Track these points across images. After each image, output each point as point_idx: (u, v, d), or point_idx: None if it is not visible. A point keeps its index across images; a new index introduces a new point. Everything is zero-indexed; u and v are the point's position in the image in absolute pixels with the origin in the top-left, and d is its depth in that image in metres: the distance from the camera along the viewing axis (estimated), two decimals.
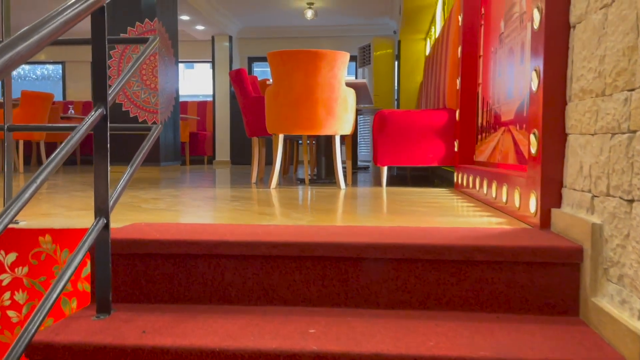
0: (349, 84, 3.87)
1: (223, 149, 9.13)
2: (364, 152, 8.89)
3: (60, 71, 10.08)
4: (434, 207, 2.39)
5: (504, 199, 2.14)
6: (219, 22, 8.37)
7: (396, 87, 8.74)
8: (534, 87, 1.76)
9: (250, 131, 4.21)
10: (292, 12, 8.10)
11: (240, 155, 8.78)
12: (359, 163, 8.49)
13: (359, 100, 4.46)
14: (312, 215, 2.10)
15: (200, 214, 2.20)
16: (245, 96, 4.15)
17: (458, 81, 3.44)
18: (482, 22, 3.23)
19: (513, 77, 2.48)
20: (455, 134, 3.52)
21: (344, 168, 4.32)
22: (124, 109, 5.93)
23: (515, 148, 2.40)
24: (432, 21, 6.99)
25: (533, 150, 1.75)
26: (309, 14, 7.68)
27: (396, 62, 8.74)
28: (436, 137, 3.59)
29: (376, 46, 8.63)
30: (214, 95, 9.15)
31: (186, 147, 8.36)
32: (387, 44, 8.70)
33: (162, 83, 5.98)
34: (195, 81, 16.28)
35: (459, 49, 3.42)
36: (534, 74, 1.76)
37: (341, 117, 3.52)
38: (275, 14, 8.37)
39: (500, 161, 2.65)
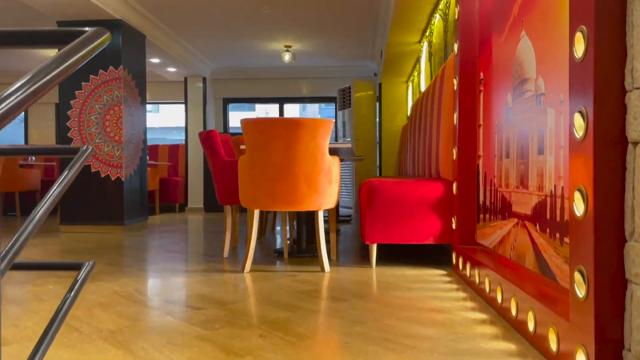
0: (332, 150, 3.48)
1: (196, 195, 8.64)
2: (345, 197, 8.51)
3: (22, 114, 9.50)
4: (436, 327, 1.98)
5: (531, 329, 1.73)
6: (192, 64, 7.98)
7: (378, 130, 8.44)
8: (579, 212, 1.38)
9: (221, 198, 3.77)
10: (269, 53, 7.77)
11: (213, 202, 8.30)
12: (341, 210, 8.09)
13: (341, 153, 4.09)
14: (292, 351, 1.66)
15: None
16: (217, 160, 3.73)
17: (454, 151, 3.08)
18: (482, 89, 2.89)
19: (530, 167, 2.11)
20: (452, 209, 3.14)
21: (327, 241, 3.90)
22: (85, 164, 5.43)
23: (535, 251, 2.02)
24: (415, 66, 6.72)
25: (580, 294, 1.36)
26: (287, 57, 7.35)
27: (377, 104, 8.46)
28: (431, 212, 3.21)
29: (356, 88, 8.34)
30: (186, 138, 8.70)
31: (156, 195, 7.85)
32: (368, 85, 8.43)
33: (127, 134, 5.52)
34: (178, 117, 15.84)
35: (455, 116, 3.07)
36: (577, 195, 1.38)
37: (325, 190, 3.12)
38: (251, 55, 8.03)
39: (514, 259, 2.27)
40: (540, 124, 2.00)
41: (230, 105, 9.67)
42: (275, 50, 7.56)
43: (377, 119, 8.44)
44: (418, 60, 6.33)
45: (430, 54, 4.99)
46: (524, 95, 2.21)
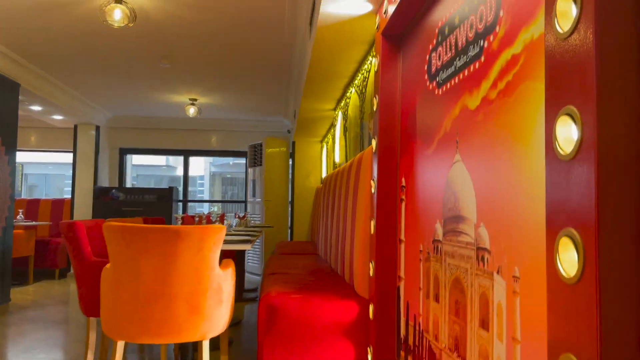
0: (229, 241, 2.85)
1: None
2: (253, 263, 7.82)
3: None
4: None
5: None
6: (82, 112, 7.08)
7: (290, 189, 7.91)
8: None
9: (86, 308, 2.99)
10: (173, 105, 7.06)
11: None
12: (247, 276, 7.39)
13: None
14: None
15: None
16: (82, 260, 2.97)
17: (371, 266, 2.57)
18: (403, 198, 2.42)
19: (468, 335, 1.61)
20: (368, 337, 2.61)
21: None
22: None
23: None
24: (330, 130, 6.32)
25: None
26: (191, 111, 6.69)
27: (291, 161, 7.96)
28: (344, 338, 2.65)
29: (269, 144, 7.81)
30: (73, 193, 7.67)
31: (30, 262, 6.73)
32: (281, 142, 7.93)
33: None
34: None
35: (372, 224, 2.58)
36: None
37: (212, 314, 2.47)
38: (153, 105, 7.28)
39: None
40: (483, 288, 1.52)
41: (128, 156, 8.76)
42: (180, 103, 6.88)
43: (290, 177, 7.93)
44: (333, 125, 5.92)
45: (345, 128, 4.56)
46: (458, 237, 1.73)
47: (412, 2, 2.20)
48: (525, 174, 1.26)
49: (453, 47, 1.81)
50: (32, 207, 7.73)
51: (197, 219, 3.58)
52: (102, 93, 6.64)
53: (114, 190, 7.80)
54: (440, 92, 1.94)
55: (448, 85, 1.85)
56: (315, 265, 3.99)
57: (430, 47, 2.07)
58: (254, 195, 8.05)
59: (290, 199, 7.97)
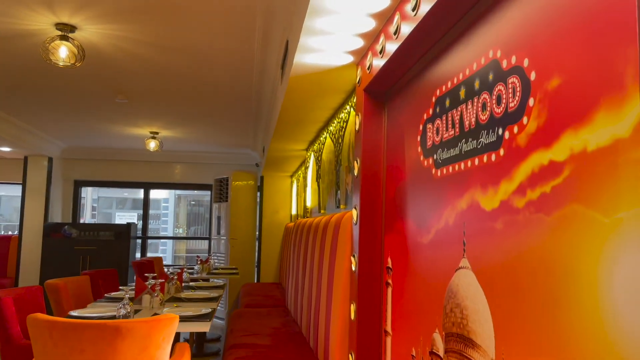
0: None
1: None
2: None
3: None
4: None
5: None
6: (32, 143, 6.55)
7: (258, 225, 7.49)
8: None
9: None
10: (133, 137, 6.60)
11: None
12: (207, 334, 6.89)
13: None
14: None
15: None
16: (8, 341, 2.50)
17: (351, 358, 2.20)
18: (390, 282, 2.08)
19: None
20: None
21: None
22: None
23: None
24: (301, 167, 5.98)
25: None
26: (152, 145, 6.25)
27: (259, 194, 7.56)
28: None
29: (235, 177, 7.41)
30: (20, 229, 7.07)
31: None
32: (249, 175, 7.54)
33: None
34: None
35: (353, 309, 2.22)
36: None
37: None
38: (111, 137, 6.80)
39: None
40: None
41: (84, 189, 8.20)
42: (140, 135, 6.43)
43: (258, 212, 7.52)
44: (305, 164, 5.59)
45: (318, 175, 4.22)
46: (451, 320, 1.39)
47: (402, 60, 1.88)
48: (578, 338, 0.92)
49: (457, 125, 1.49)
50: None
51: (150, 282, 3.15)
52: (53, 125, 6.14)
53: (66, 227, 7.22)
54: (439, 174, 1.61)
55: (450, 168, 1.53)
56: (283, 332, 3.58)
57: (425, 116, 1.75)
58: (218, 233, 7.60)
59: (257, 235, 7.55)
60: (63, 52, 3.01)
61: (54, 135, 6.83)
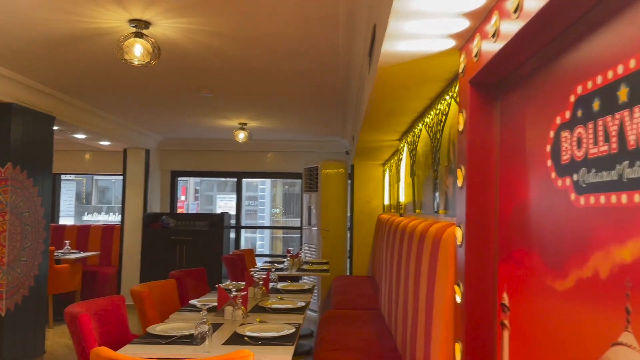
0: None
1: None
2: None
3: None
4: None
5: None
6: (129, 137, 6.72)
7: (350, 215, 7.19)
8: None
9: None
10: (223, 128, 6.55)
11: None
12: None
13: None
14: None
15: None
16: (82, 354, 2.41)
17: None
18: (506, 323, 1.66)
19: None
20: None
21: None
22: None
23: None
24: (394, 156, 5.56)
25: None
26: (241, 136, 6.14)
27: (350, 182, 7.25)
28: None
29: (325, 167, 7.14)
30: (122, 219, 7.34)
31: (76, 297, 6.41)
32: (339, 164, 7.24)
33: (12, 253, 4.16)
34: None
35: (458, 351, 1.83)
36: None
37: None
38: (203, 129, 6.81)
39: None
40: None
41: (180, 179, 8.39)
42: (229, 127, 6.36)
43: (349, 202, 7.22)
44: (397, 154, 5.18)
45: (412, 170, 3.79)
46: None
47: (525, 44, 1.44)
48: None
49: (614, 139, 1.05)
50: (83, 234, 7.47)
51: (233, 291, 2.96)
52: (147, 120, 6.23)
53: (164, 217, 7.40)
54: (582, 203, 1.17)
55: (602, 199, 1.09)
56: (376, 346, 3.26)
57: (559, 120, 1.30)
58: (309, 223, 7.41)
59: (349, 226, 7.26)
60: (137, 50, 2.84)
61: (149, 129, 6.96)
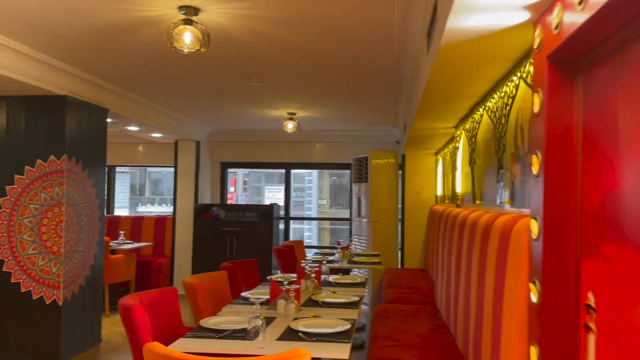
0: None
1: (183, 278, 7.30)
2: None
3: None
4: None
5: None
6: (180, 129, 6.77)
7: (401, 206, 7.01)
8: None
9: None
10: (271, 119, 6.50)
11: None
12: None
13: None
14: None
15: None
16: (139, 354, 2.38)
17: None
18: (592, 326, 1.49)
19: None
20: None
21: None
22: (13, 281, 4.17)
23: None
24: (449, 145, 5.35)
25: None
26: (290, 126, 6.06)
27: (400, 173, 7.05)
28: None
29: (375, 157, 6.98)
30: (174, 209, 7.44)
31: (131, 287, 6.55)
32: (389, 154, 7.06)
33: (69, 244, 4.24)
34: None
35: (534, 356, 1.67)
36: None
37: None
38: (251, 120, 6.78)
39: None
40: None
41: (229, 171, 8.42)
42: (278, 117, 6.29)
43: (400, 193, 7.03)
44: (453, 142, 4.96)
45: (472, 159, 3.59)
46: None
47: (617, 12, 1.25)
48: None
49: None
50: (136, 225, 7.63)
51: (285, 285, 2.88)
52: (196, 111, 6.26)
53: (214, 208, 7.45)
54: None
55: None
56: (433, 343, 3.10)
57: None
58: (359, 215, 7.27)
59: (400, 217, 7.08)
60: (187, 38, 2.78)
61: (199, 120, 7.00)
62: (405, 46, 3.44)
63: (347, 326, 2.45)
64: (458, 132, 4.32)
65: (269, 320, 2.66)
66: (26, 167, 4.22)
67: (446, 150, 5.60)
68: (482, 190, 3.30)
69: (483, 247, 2.38)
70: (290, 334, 2.39)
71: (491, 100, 2.91)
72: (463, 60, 2.31)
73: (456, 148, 4.44)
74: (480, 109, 3.25)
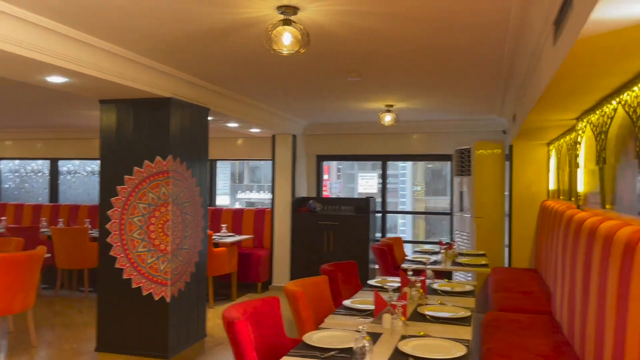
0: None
1: (282, 271, 7.41)
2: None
3: None
4: None
5: None
6: (277, 124, 6.79)
7: (508, 201, 6.53)
8: None
9: None
10: (368, 111, 6.31)
11: (301, 277, 6.98)
12: None
13: None
14: None
15: None
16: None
17: None
18: None
19: None
20: None
21: None
22: (124, 277, 4.38)
23: None
24: (565, 136, 4.85)
25: None
26: (387, 118, 5.83)
27: (508, 164, 6.56)
28: None
29: (478, 148, 6.56)
30: (273, 202, 7.52)
31: (233, 279, 6.72)
32: (494, 144, 6.61)
33: (175, 242, 4.37)
34: None
35: None
36: None
37: None
38: (348, 113, 6.64)
39: None
40: None
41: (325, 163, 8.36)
42: (375, 109, 6.09)
43: (508, 186, 6.55)
44: (570, 133, 4.48)
45: (599, 157, 3.17)
46: None
47: None
48: None
49: None
50: (237, 218, 7.81)
51: (389, 293, 2.72)
52: (294, 107, 6.22)
53: (311, 202, 7.44)
54: None
55: None
56: None
57: None
58: (461, 210, 6.90)
59: (507, 212, 6.61)
60: (287, 39, 2.67)
61: (296, 115, 6.98)
62: (521, 34, 3.09)
63: (462, 352, 2.24)
64: (581, 125, 3.87)
65: (374, 337, 2.51)
66: (135, 167, 4.39)
67: (562, 141, 5.09)
68: (615, 193, 2.90)
69: (625, 269, 2.04)
70: (399, 358, 2.22)
71: (630, 93, 2.51)
72: (601, 52, 1.97)
73: (577, 142, 3.98)
74: (613, 102, 2.83)
